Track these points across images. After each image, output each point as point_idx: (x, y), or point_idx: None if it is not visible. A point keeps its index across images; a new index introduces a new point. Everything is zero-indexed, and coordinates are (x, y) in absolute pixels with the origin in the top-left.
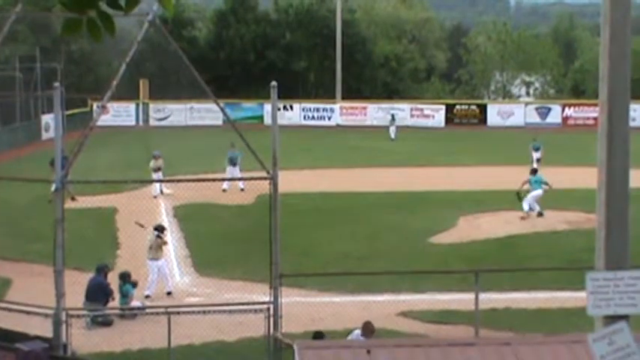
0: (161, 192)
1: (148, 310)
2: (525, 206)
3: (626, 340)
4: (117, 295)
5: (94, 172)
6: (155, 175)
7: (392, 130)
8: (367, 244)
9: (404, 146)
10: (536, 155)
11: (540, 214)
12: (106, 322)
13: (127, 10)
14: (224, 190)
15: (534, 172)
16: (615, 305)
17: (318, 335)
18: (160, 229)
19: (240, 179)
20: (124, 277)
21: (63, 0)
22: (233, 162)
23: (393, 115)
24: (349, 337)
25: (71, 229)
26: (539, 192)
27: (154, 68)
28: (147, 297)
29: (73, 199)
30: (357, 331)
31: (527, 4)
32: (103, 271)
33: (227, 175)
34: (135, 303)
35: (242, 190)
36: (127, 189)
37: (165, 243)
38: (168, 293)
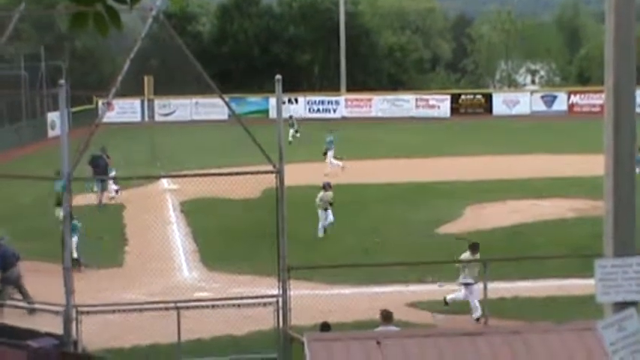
0: None
1: (156, 305)
2: None
3: (636, 327)
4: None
5: None
6: None
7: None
8: (374, 236)
9: (409, 137)
10: (330, 155)
11: None
12: None
13: (132, 4)
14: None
15: None
16: (624, 292)
17: (325, 326)
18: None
19: (239, 173)
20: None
21: None
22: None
23: (291, 116)
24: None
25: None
26: None
27: (159, 64)
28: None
29: (112, 198)
30: (380, 328)
31: None
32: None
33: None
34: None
35: (112, 198)
36: (134, 185)
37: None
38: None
